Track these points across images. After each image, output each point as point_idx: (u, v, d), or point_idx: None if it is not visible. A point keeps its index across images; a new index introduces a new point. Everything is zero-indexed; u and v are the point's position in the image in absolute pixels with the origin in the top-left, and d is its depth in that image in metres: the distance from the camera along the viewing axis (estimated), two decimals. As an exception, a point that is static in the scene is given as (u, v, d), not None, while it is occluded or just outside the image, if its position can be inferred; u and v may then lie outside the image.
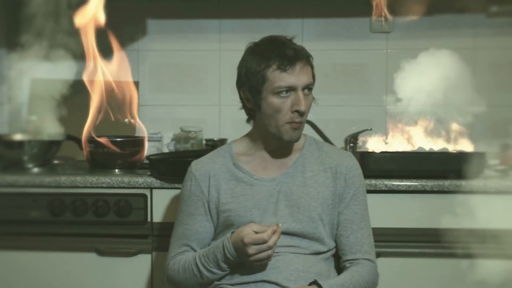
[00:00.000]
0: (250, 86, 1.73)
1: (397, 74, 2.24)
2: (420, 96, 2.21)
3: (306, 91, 1.72)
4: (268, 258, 1.62)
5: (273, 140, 1.77)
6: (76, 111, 2.42)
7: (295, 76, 1.69)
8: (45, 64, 2.47)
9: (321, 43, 2.73)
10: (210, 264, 1.69)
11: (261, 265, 1.67)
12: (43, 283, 2.18)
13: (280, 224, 1.64)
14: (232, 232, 1.67)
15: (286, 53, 1.69)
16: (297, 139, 1.76)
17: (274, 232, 1.61)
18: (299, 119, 1.71)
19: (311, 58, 1.75)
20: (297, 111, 1.70)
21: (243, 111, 1.83)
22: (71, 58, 2.39)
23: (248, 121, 1.83)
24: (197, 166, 1.83)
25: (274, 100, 1.70)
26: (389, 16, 2.36)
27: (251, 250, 1.60)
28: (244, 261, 1.65)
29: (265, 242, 1.59)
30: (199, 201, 1.79)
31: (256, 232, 1.61)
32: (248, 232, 1.61)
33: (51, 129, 2.35)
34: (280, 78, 1.68)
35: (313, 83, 1.75)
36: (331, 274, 1.75)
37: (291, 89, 1.69)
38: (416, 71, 2.23)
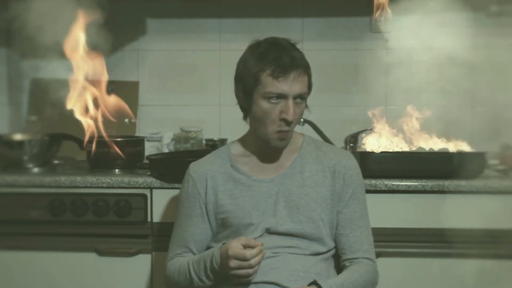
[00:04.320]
0: (244, 85, 1.73)
1: (396, 71, 2.24)
2: (420, 96, 2.21)
3: (298, 100, 1.70)
4: (248, 276, 1.60)
5: (262, 142, 1.76)
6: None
7: (288, 85, 1.67)
8: (45, 64, 2.47)
9: (321, 43, 2.72)
10: (200, 272, 1.70)
11: (242, 283, 1.64)
12: (43, 283, 2.18)
13: (262, 243, 1.61)
14: (224, 243, 1.67)
15: (282, 60, 1.67)
16: (284, 147, 1.76)
17: (260, 252, 1.59)
18: (287, 128, 1.70)
19: (308, 68, 1.72)
20: (284, 119, 1.69)
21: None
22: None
23: (244, 118, 1.81)
24: (195, 168, 1.83)
25: (264, 104, 1.69)
26: (389, 16, 2.36)
27: (232, 263, 1.59)
28: (226, 274, 1.63)
29: (246, 260, 1.57)
30: (196, 202, 1.79)
31: (244, 247, 1.59)
32: (235, 245, 1.59)
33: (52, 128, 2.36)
34: (272, 84, 1.67)
35: (307, 93, 1.72)
36: (331, 275, 1.75)
37: (281, 96, 1.68)
38: (415, 69, 2.23)
